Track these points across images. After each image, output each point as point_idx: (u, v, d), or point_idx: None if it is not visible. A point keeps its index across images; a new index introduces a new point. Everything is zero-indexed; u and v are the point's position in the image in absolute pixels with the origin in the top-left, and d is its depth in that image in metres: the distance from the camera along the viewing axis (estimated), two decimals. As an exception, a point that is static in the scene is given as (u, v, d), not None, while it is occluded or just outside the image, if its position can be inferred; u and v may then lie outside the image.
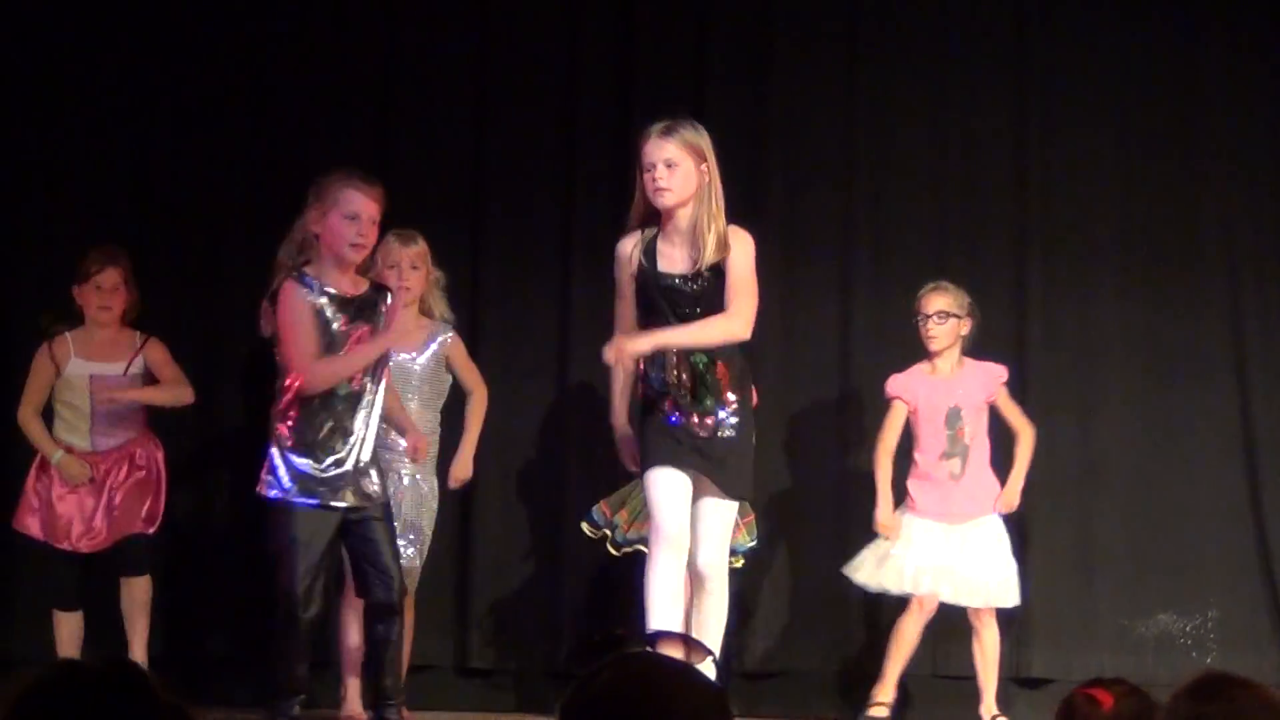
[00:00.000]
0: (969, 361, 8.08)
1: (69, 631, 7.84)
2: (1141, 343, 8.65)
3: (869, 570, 7.94)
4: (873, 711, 7.87)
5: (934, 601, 7.87)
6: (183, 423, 8.23)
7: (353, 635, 7.37)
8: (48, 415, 7.90)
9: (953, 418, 7.99)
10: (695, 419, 6.71)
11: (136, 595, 7.89)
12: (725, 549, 6.83)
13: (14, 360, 8.25)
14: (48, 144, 8.54)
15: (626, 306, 6.80)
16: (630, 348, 6.72)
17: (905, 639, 7.90)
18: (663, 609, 6.51)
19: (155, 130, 8.61)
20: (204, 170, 8.61)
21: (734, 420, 6.74)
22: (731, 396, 6.74)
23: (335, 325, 6.71)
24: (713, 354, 6.72)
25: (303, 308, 6.63)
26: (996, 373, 8.05)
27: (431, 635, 7.89)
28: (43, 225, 8.58)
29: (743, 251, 6.72)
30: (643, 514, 7.66)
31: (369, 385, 6.82)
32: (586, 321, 8.44)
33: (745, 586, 8.11)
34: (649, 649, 2.62)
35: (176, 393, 7.89)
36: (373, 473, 6.85)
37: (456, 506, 8.09)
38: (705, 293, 6.70)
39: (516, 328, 8.51)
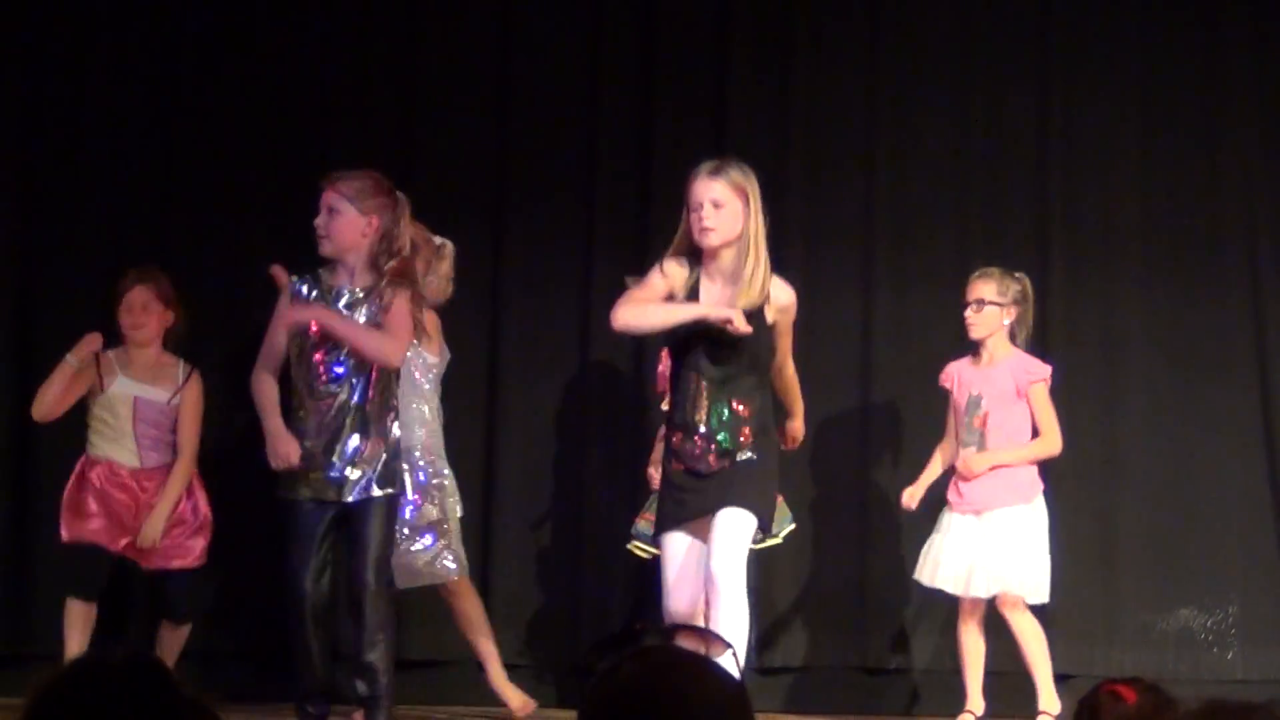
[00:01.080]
0: (1015, 352, 7.94)
1: (82, 620, 7.74)
2: (1163, 334, 8.66)
3: (928, 572, 7.90)
4: (961, 716, 7.80)
5: (977, 602, 7.85)
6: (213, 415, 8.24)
7: None
8: (79, 424, 7.91)
9: (972, 405, 7.89)
10: (712, 459, 6.67)
11: (173, 642, 7.88)
12: (736, 556, 6.67)
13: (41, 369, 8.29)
14: (75, 152, 8.53)
15: (649, 292, 6.76)
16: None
17: (965, 646, 7.86)
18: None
19: (183, 139, 8.59)
20: (230, 175, 8.60)
21: (749, 455, 6.68)
22: (748, 434, 6.68)
23: None
24: (733, 395, 6.69)
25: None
26: (1032, 367, 7.92)
27: (454, 631, 7.89)
28: (70, 236, 8.55)
29: (790, 307, 6.81)
30: None
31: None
32: (606, 321, 8.45)
33: (765, 583, 8.12)
34: (669, 643, 2.60)
35: (185, 466, 7.91)
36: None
37: (478, 503, 8.10)
38: (743, 336, 6.67)
39: (537, 326, 8.51)
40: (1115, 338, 8.66)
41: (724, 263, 6.68)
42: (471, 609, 7.80)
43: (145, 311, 7.84)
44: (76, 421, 7.93)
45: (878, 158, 8.72)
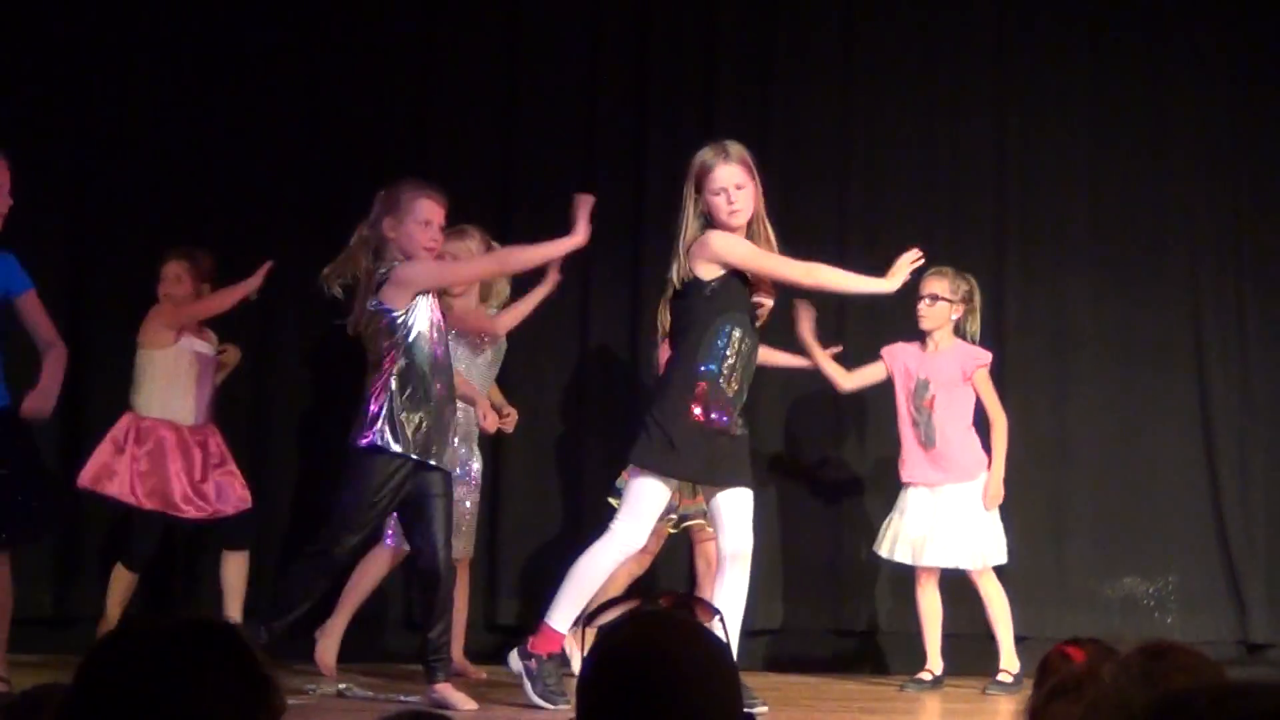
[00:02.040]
0: (957, 342, 7.96)
1: (125, 588, 7.79)
2: (1110, 331, 8.68)
3: (886, 545, 7.91)
4: (920, 675, 7.82)
5: (931, 570, 7.86)
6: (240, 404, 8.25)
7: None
8: (124, 388, 7.91)
9: (920, 389, 7.91)
10: (737, 417, 6.61)
11: (238, 568, 7.89)
12: (750, 533, 6.66)
13: (93, 348, 8.33)
14: (119, 153, 8.52)
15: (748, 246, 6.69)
16: None
17: (923, 611, 7.89)
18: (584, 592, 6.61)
19: (218, 141, 8.56)
20: (261, 174, 8.59)
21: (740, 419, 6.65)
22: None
23: None
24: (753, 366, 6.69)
25: None
26: (976, 354, 7.93)
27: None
28: (116, 227, 8.55)
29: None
30: (685, 488, 7.60)
31: None
32: (604, 308, 8.48)
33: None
34: (660, 610, 2.59)
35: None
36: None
37: (486, 477, 8.10)
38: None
39: (543, 320, 8.50)
40: (1066, 333, 8.69)
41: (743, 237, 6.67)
42: None
43: (178, 284, 7.86)
44: (122, 392, 7.94)
45: (852, 170, 8.75)
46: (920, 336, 7.99)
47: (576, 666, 6.74)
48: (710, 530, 7.41)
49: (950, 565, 7.85)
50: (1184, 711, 1.05)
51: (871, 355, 8.18)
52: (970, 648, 8.14)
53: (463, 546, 7.61)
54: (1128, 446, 8.64)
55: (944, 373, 7.92)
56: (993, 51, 8.79)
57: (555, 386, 8.66)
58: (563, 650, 6.71)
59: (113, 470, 7.75)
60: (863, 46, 8.77)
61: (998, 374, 8.41)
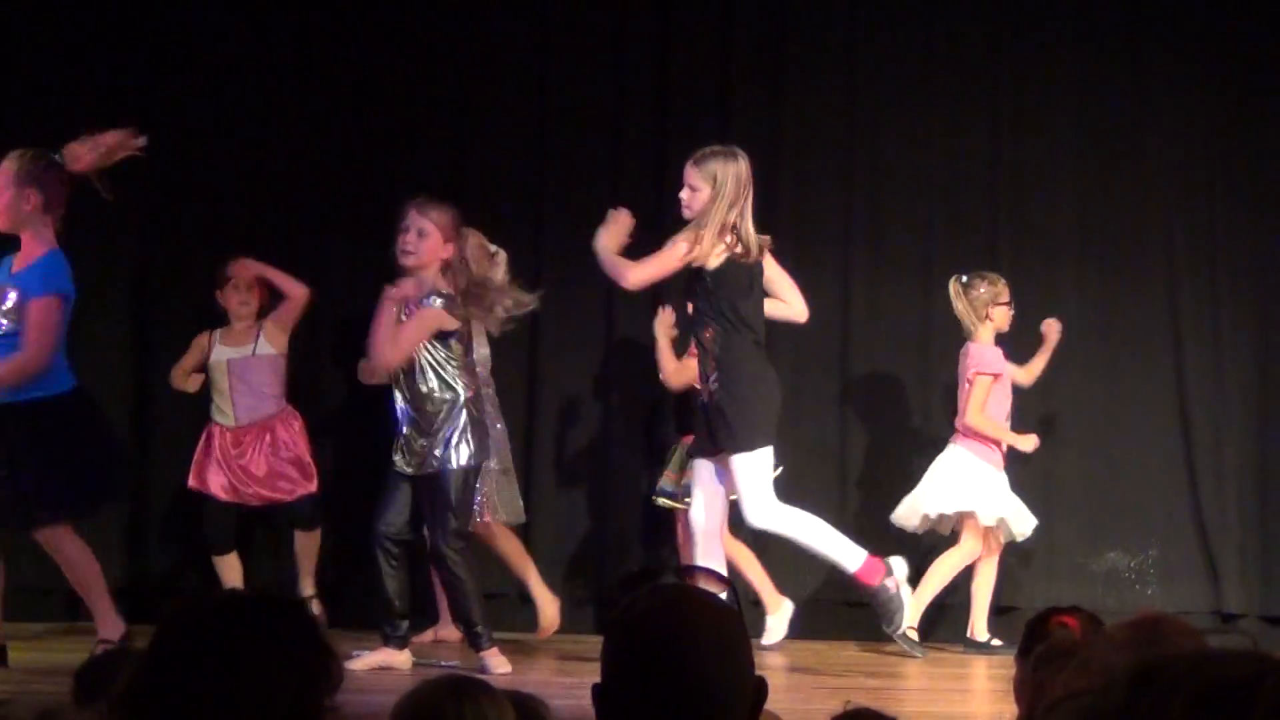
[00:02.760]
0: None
1: (229, 570, 7.91)
2: (1095, 322, 8.64)
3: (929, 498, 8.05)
4: (992, 640, 7.95)
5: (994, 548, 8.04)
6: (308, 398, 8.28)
7: None
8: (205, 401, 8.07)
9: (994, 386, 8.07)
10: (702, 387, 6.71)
11: (307, 545, 8.03)
12: (754, 499, 6.66)
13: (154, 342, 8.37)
14: (181, 159, 8.51)
15: None
16: None
17: (983, 580, 8.06)
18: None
19: (271, 150, 8.56)
20: (311, 183, 8.59)
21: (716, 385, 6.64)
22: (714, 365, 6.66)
23: None
24: (704, 326, 6.71)
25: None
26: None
27: (499, 567, 7.92)
28: (180, 231, 8.56)
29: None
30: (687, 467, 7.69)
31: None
32: (629, 305, 8.48)
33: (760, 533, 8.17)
34: (679, 581, 2.59)
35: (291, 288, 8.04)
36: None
37: (519, 459, 8.11)
38: None
39: (571, 311, 8.50)
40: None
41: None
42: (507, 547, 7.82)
43: (250, 290, 7.95)
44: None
45: (855, 172, 8.72)
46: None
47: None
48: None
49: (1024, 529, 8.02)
50: (1162, 675, 1.07)
51: (873, 346, 8.21)
52: (954, 617, 8.24)
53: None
54: (1110, 430, 8.63)
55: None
56: (986, 65, 8.77)
57: (584, 375, 8.66)
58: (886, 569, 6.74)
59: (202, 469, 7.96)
60: (866, 61, 8.73)
61: (993, 365, 8.43)
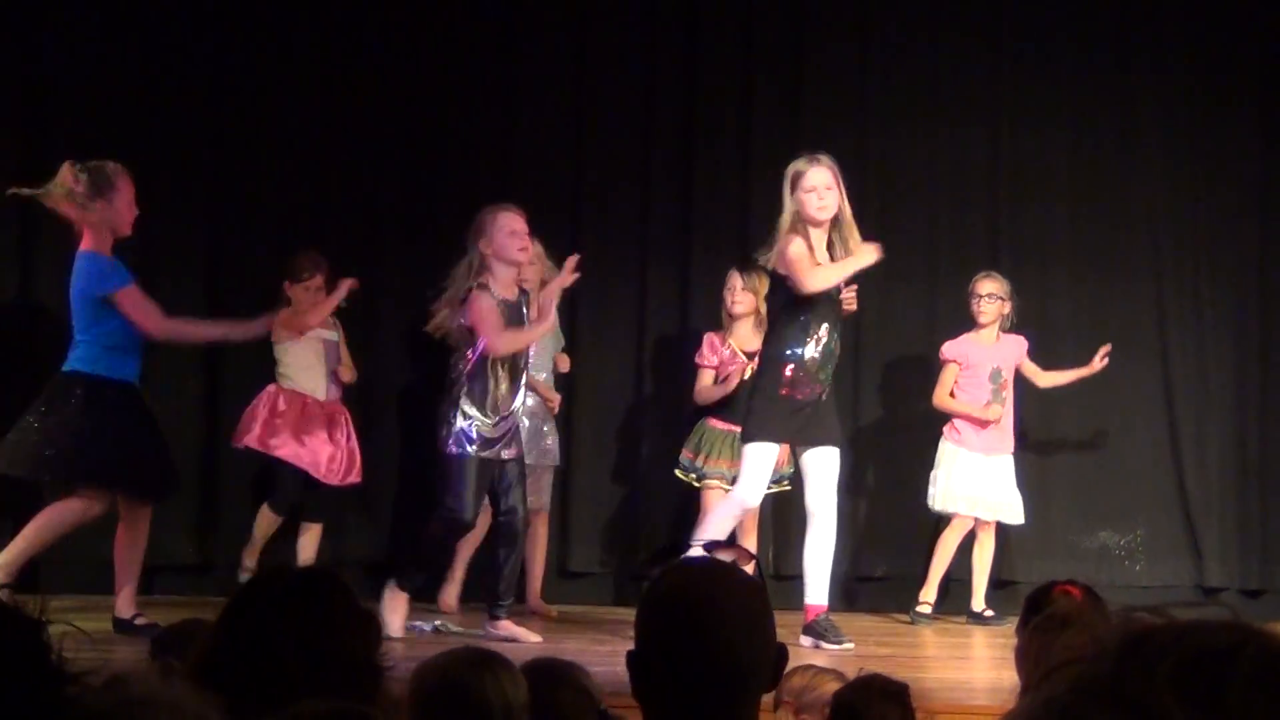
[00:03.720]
0: (1013, 335, 8.11)
1: (269, 524, 7.77)
2: (1086, 317, 8.62)
3: (944, 501, 7.97)
4: (919, 609, 7.88)
5: (989, 524, 7.98)
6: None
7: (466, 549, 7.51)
8: (258, 371, 7.96)
9: (995, 375, 7.99)
10: (821, 390, 6.74)
11: (315, 537, 7.96)
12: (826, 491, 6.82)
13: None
14: (251, 164, 8.52)
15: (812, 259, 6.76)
16: None
17: (982, 555, 7.98)
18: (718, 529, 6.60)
19: (333, 160, 8.59)
20: (369, 187, 8.62)
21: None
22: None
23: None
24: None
25: (491, 304, 6.66)
26: (1023, 342, 8.11)
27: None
28: (248, 227, 8.56)
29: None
30: (714, 452, 7.73)
31: (521, 364, 6.89)
32: (659, 303, 8.48)
33: (781, 510, 8.17)
34: (706, 555, 2.60)
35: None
36: (519, 429, 6.93)
37: (559, 447, 8.12)
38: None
39: (607, 309, 8.49)
40: (1049, 319, 8.61)
41: (826, 233, 6.77)
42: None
43: (319, 293, 7.80)
44: (255, 368, 7.97)
45: (867, 180, 8.70)
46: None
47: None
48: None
49: (1009, 520, 7.98)
50: (1149, 644, 1.06)
51: (883, 342, 8.20)
52: (957, 592, 8.21)
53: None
54: (1101, 418, 8.59)
55: (1008, 361, 8.04)
56: (987, 80, 8.74)
57: (617, 367, 8.65)
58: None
59: (275, 430, 7.80)
60: (877, 73, 8.70)
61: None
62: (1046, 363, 8.38)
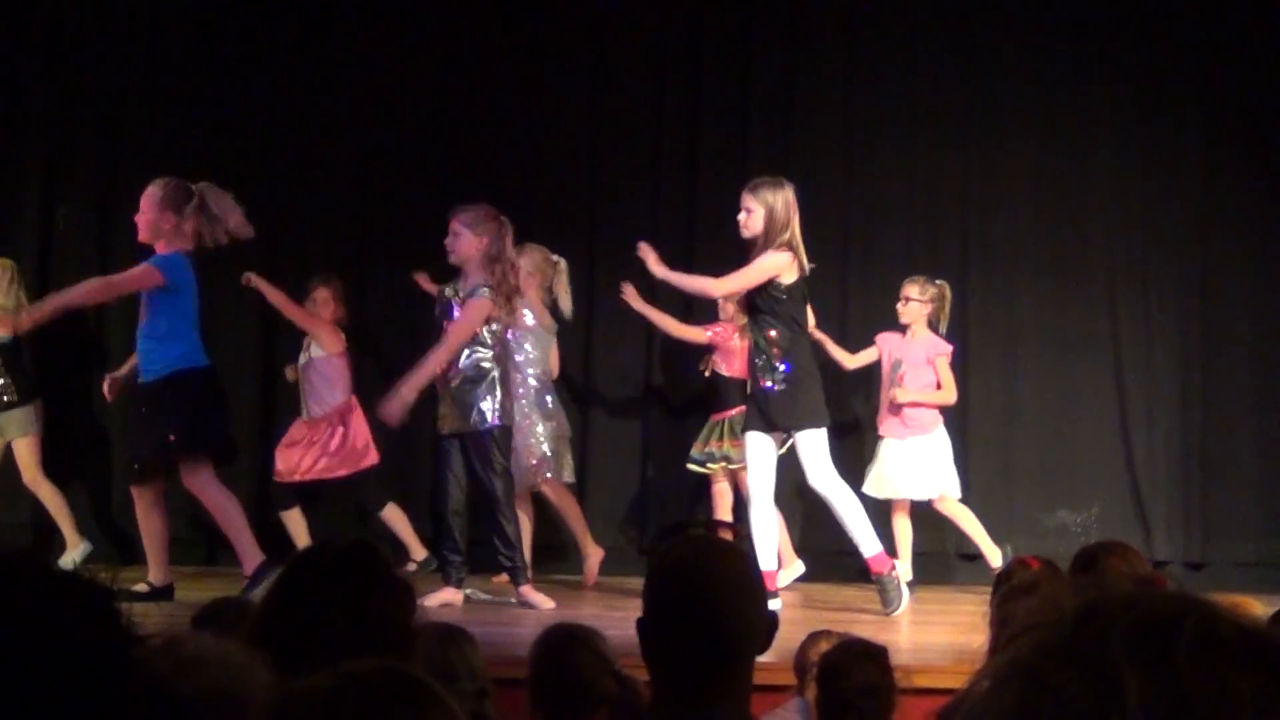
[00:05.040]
0: (928, 333, 7.89)
1: (295, 525, 7.75)
2: (1048, 325, 8.61)
3: (870, 484, 7.88)
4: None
5: (903, 502, 7.86)
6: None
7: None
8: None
9: (895, 366, 7.86)
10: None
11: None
12: (817, 468, 6.62)
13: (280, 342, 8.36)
14: (297, 177, 8.56)
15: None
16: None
17: (899, 531, 7.85)
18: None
19: (368, 173, 8.65)
20: (402, 193, 8.62)
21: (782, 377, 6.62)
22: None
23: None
24: (768, 327, 6.64)
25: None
26: (939, 344, 7.90)
27: (558, 524, 7.93)
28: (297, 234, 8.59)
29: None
30: (711, 437, 7.70)
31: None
32: (668, 304, 8.47)
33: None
34: (707, 533, 2.62)
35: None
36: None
37: (578, 434, 8.12)
38: None
39: (621, 307, 8.50)
40: (1015, 322, 8.63)
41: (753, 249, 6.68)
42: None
43: (325, 306, 7.80)
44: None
45: (852, 196, 8.73)
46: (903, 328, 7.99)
47: None
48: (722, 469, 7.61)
49: (919, 497, 7.84)
50: (1102, 611, 1.06)
51: (866, 340, 8.19)
52: (930, 564, 8.16)
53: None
54: (1061, 409, 8.59)
55: (914, 355, 7.87)
56: (959, 108, 8.74)
57: (632, 362, 8.67)
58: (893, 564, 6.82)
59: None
60: (860, 102, 8.71)
61: (964, 357, 8.41)
62: (1011, 360, 8.43)
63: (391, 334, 8.54)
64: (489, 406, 6.69)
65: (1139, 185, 8.66)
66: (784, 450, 6.84)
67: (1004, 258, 8.67)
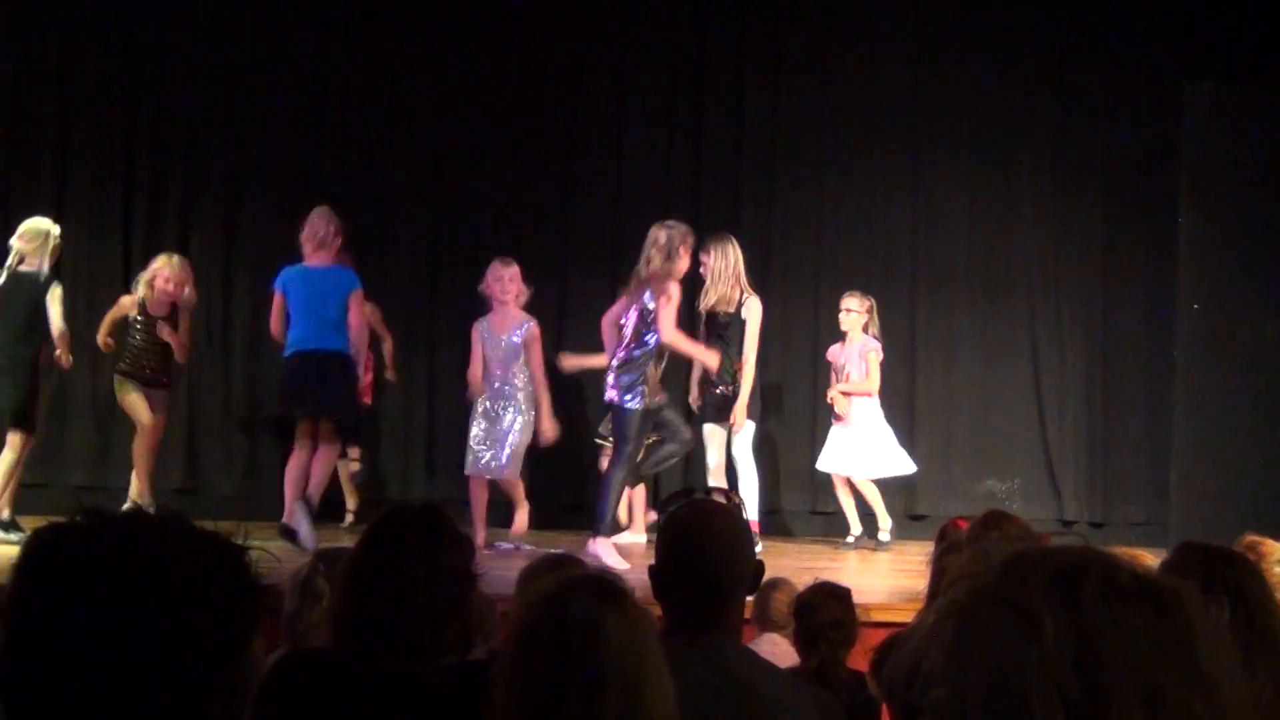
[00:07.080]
0: (863, 336, 7.68)
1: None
2: (981, 332, 8.59)
3: (824, 461, 7.78)
4: (880, 535, 7.66)
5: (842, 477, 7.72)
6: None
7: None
8: None
9: (840, 368, 7.72)
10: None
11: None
12: (745, 449, 7.02)
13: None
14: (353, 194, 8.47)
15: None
16: None
17: (868, 496, 7.67)
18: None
19: (407, 191, 8.49)
20: (444, 210, 8.56)
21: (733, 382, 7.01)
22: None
23: None
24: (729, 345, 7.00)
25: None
26: (870, 342, 7.69)
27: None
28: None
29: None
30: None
31: None
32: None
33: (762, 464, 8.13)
34: (707, 497, 2.59)
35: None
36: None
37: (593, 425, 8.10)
38: None
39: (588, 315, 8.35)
40: (953, 330, 8.60)
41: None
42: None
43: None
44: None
45: (825, 229, 8.69)
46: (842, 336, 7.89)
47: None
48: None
49: (868, 475, 7.64)
50: (1023, 562, 1.07)
51: (832, 341, 8.19)
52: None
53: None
54: (989, 398, 8.56)
55: (852, 357, 7.70)
56: (911, 163, 8.67)
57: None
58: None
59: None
60: (832, 155, 8.64)
61: (913, 357, 8.40)
62: (950, 360, 8.42)
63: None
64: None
65: (1051, 224, 8.63)
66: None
67: (945, 279, 8.64)
